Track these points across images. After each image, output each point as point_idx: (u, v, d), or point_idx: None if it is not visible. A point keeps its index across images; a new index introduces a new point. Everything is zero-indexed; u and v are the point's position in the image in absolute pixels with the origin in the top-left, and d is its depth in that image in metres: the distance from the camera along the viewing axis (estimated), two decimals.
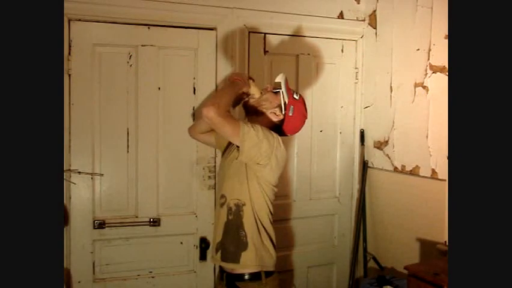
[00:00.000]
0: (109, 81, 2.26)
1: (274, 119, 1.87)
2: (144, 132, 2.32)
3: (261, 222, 1.80)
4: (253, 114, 1.89)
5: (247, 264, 1.77)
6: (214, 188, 2.41)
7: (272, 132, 1.78)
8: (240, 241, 1.77)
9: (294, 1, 2.56)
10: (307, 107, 1.95)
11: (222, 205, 1.83)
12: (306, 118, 1.95)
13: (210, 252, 2.34)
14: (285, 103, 1.86)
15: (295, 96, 1.90)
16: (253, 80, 1.89)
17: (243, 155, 1.70)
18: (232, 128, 1.66)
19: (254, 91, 1.86)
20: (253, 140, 1.68)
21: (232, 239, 1.78)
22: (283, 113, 1.86)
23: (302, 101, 1.93)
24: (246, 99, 1.88)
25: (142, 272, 2.35)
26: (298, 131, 1.97)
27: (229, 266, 1.80)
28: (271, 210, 1.85)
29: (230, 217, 1.79)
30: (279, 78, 1.87)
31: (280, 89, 1.85)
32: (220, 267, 1.88)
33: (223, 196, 1.84)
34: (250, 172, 1.77)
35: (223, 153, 2.01)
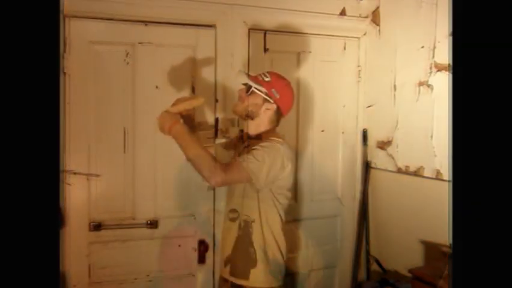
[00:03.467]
0: (105, 80, 2.23)
1: (271, 112, 1.82)
2: (141, 132, 2.29)
3: (270, 235, 1.78)
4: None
5: (256, 280, 1.77)
6: (213, 189, 2.38)
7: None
8: (250, 258, 1.77)
9: None
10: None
11: (233, 220, 1.82)
12: (290, 83, 1.87)
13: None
14: (266, 93, 1.78)
15: (265, 79, 1.80)
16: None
17: (263, 185, 1.71)
18: (240, 176, 1.66)
19: (197, 103, 1.83)
20: (262, 167, 1.66)
21: (241, 255, 1.79)
22: (272, 101, 1.79)
23: (276, 76, 1.84)
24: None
25: (139, 276, 2.32)
26: (293, 104, 1.90)
27: (238, 282, 1.79)
28: (283, 217, 1.83)
29: (240, 232, 1.79)
30: (242, 79, 1.82)
31: (251, 87, 1.79)
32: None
33: (234, 211, 1.83)
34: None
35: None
